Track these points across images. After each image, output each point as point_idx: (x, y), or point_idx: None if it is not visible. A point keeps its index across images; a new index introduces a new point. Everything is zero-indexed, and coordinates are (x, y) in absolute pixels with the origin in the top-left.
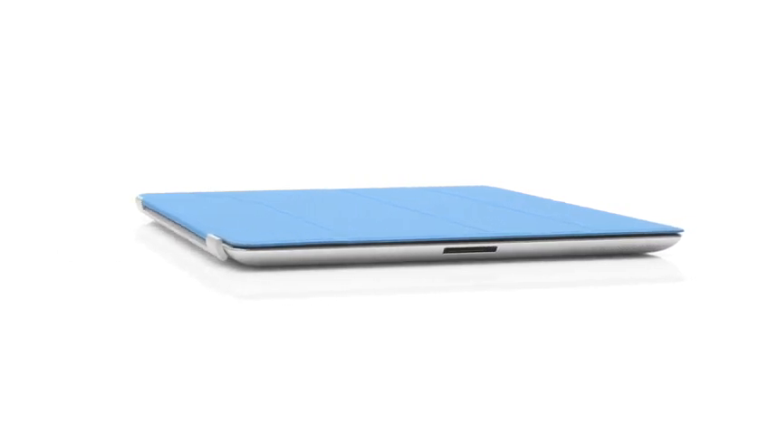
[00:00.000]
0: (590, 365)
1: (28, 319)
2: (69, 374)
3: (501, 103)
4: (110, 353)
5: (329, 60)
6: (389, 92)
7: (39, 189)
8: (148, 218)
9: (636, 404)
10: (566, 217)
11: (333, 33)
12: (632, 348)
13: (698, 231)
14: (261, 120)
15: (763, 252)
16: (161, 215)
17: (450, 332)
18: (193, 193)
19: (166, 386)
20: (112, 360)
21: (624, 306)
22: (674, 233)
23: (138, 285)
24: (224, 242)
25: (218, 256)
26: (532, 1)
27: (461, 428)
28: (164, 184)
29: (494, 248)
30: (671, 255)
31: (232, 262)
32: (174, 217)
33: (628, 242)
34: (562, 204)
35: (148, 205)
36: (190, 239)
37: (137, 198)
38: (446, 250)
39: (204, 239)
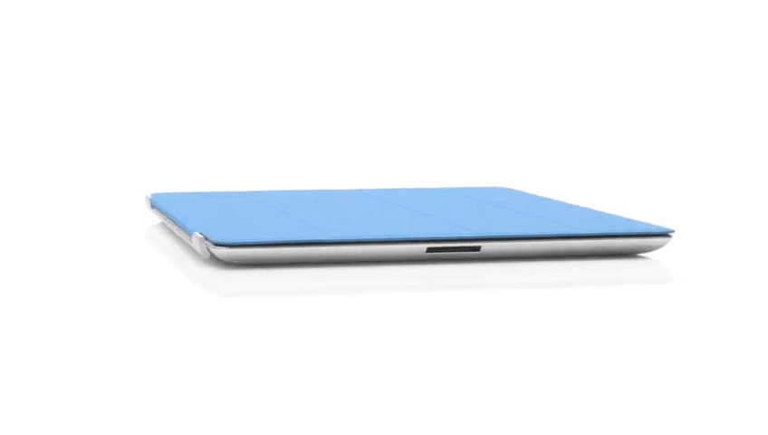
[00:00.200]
0: (578, 366)
1: (22, 315)
2: (58, 372)
3: (507, 106)
4: (91, 352)
5: (349, 64)
6: (411, 94)
7: (64, 187)
8: (157, 218)
9: (624, 406)
10: (557, 218)
11: (350, 35)
12: (622, 349)
13: (689, 232)
14: (283, 121)
15: (753, 253)
16: (163, 214)
17: (432, 331)
18: (201, 193)
19: (145, 385)
20: (93, 358)
21: (614, 307)
22: (664, 234)
23: (130, 282)
24: (206, 240)
25: (202, 254)
26: (551, 6)
27: (444, 428)
28: (187, 183)
29: (477, 248)
30: (661, 255)
31: (227, 262)
32: (173, 216)
33: (618, 242)
34: (564, 204)
35: (155, 204)
36: (183, 238)
37: (147, 196)
38: (429, 250)
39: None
